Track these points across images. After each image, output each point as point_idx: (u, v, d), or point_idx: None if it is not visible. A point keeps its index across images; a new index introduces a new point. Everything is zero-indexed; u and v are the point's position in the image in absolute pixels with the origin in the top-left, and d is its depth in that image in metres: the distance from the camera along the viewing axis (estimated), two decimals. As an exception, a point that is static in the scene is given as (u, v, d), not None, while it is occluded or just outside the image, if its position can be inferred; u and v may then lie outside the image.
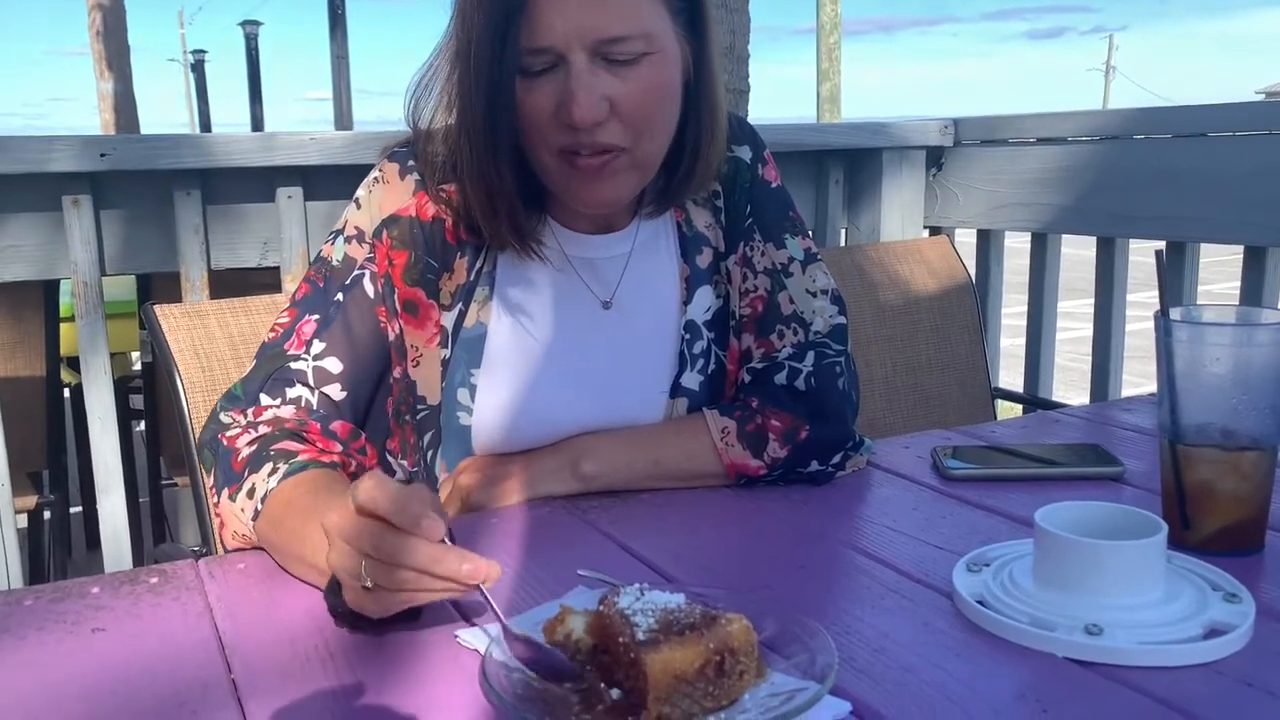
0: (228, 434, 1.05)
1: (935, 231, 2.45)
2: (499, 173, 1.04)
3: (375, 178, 1.14)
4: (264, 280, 2.02)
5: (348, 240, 1.12)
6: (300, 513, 0.91)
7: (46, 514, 2.52)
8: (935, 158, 2.43)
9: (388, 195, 1.12)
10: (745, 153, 1.21)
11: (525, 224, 1.09)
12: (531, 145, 1.04)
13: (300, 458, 0.99)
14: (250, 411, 1.06)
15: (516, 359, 1.13)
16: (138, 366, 3.40)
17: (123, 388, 3.10)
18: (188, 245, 1.81)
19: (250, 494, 0.98)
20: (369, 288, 1.11)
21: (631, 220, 1.17)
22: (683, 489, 1.12)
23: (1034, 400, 2.27)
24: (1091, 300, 2.22)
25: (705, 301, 1.18)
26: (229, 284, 1.90)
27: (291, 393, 1.07)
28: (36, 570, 2.76)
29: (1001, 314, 2.45)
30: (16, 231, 1.73)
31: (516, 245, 1.10)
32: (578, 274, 1.15)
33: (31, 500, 2.39)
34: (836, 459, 1.15)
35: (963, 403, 2.15)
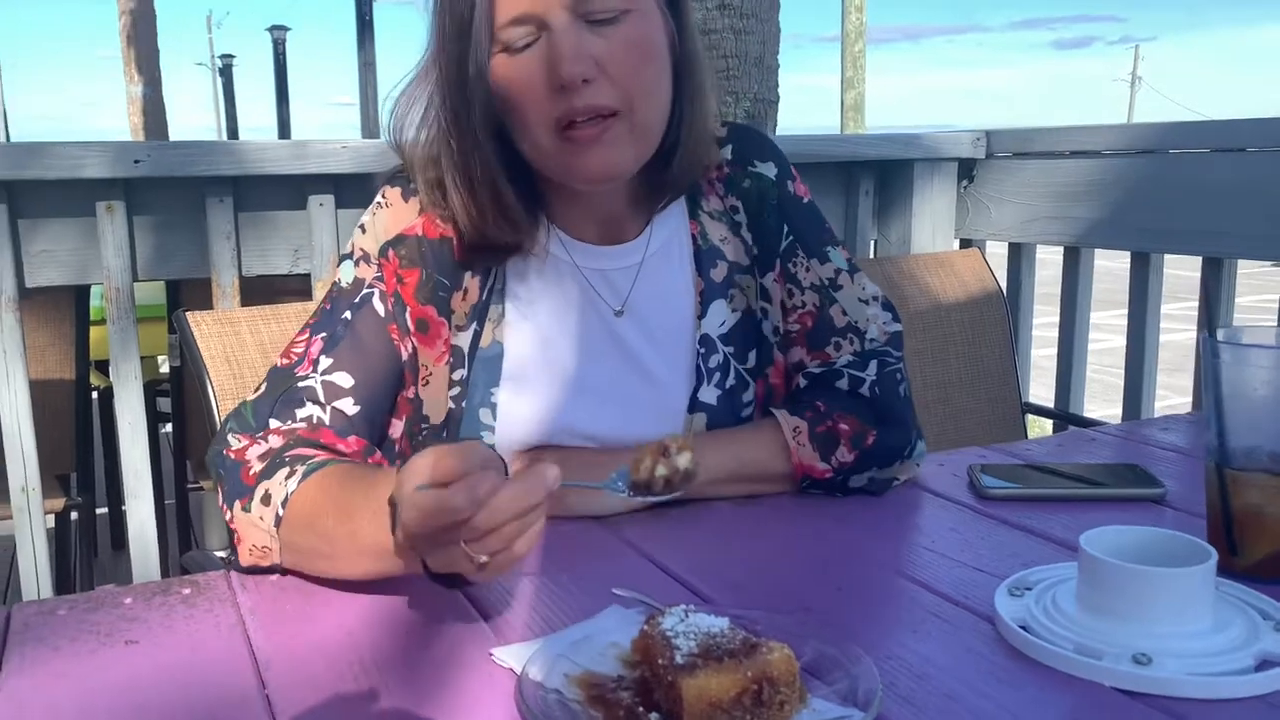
0: (234, 448, 1.02)
1: (966, 244, 2.43)
2: (482, 154, 1.03)
3: (378, 203, 1.14)
4: (291, 287, 2.02)
5: (355, 263, 1.12)
6: (335, 508, 0.89)
7: (74, 515, 2.53)
8: (967, 169, 2.41)
9: (392, 218, 1.12)
10: (769, 169, 1.19)
11: (519, 217, 1.07)
12: (527, 127, 1.02)
13: (317, 459, 0.97)
14: (260, 433, 1.03)
15: (535, 374, 1.12)
16: (165, 369, 3.41)
17: (150, 391, 3.11)
18: (219, 251, 1.81)
19: (266, 500, 0.94)
20: (378, 306, 1.10)
21: (642, 230, 1.16)
22: (713, 501, 1.11)
23: (1065, 416, 2.25)
24: (1119, 311, 2.20)
25: (720, 315, 1.17)
26: (258, 290, 1.91)
27: (301, 412, 1.04)
28: (63, 571, 2.78)
29: (1033, 327, 2.42)
30: (51, 237, 1.74)
31: (510, 237, 1.08)
32: (589, 284, 1.14)
33: (60, 502, 2.40)
34: (896, 466, 1.15)
35: (993, 418, 2.13)
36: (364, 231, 1.14)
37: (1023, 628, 0.80)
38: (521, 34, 1.00)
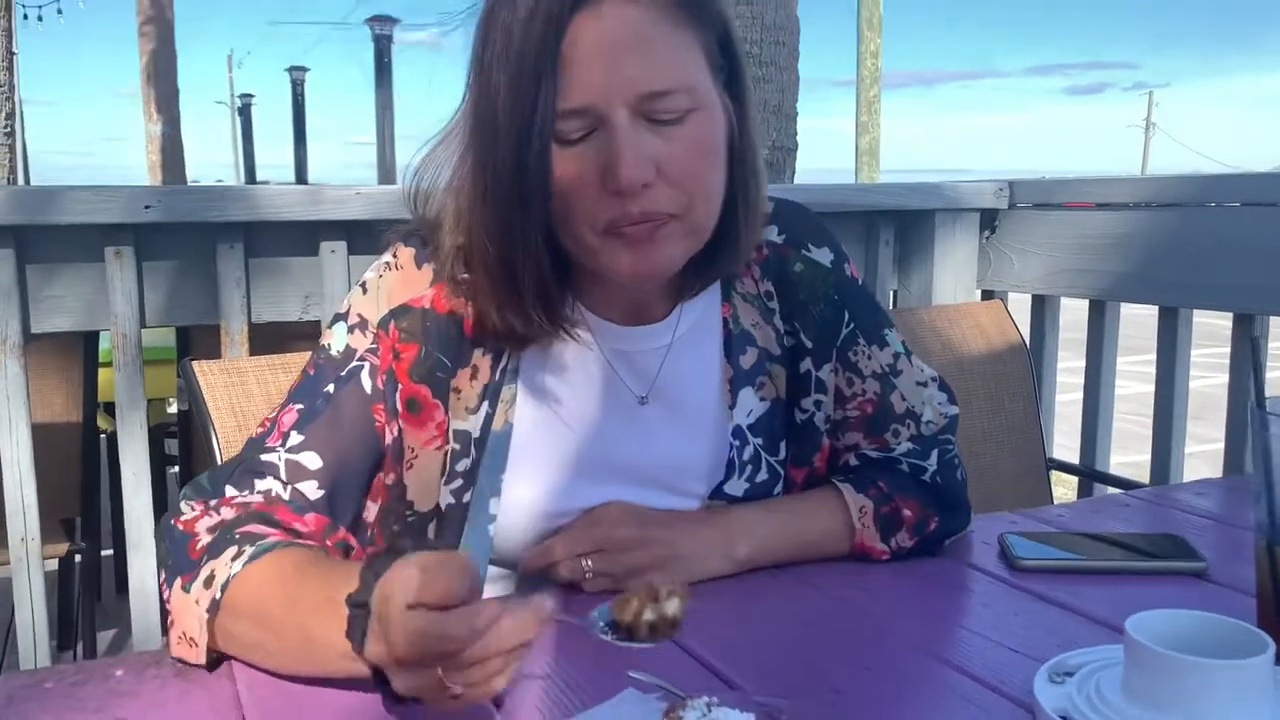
0: (184, 518, 0.94)
1: (988, 295, 2.39)
2: (528, 248, 0.94)
3: (388, 263, 1.05)
4: (302, 331, 1.99)
5: (350, 329, 1.03)
6: (285, 599, 0.82)
7: (78, 558, 2.49)
8: (989, 220, 2.37)
9: (400, 284, 1.03)
10: (825, 255, 1.13)
11: (557, 303, 0.99)
12: (571, 222, 0.94)
13: (269, 539, 0.89)
14: (214, 501, 0.96)
15: (544, 457, 1.05)
16: (174, 410, 3.39)
17: (158, 433, 3.09)
18: (229, 298, 1.78)
19: (208, 582, 0.86)
20: (366, 382, 1.01)
21: (670, 310, 1.08)
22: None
23: (1092, 473, 2.19)
24: (1136, 358, 2.15)
25: (748, 404, 1.10)
26: (268, 334, 1.88)
27: (261, 484, 0.97)
28: (65, 617, 2.74)
29: (1056, 381, 2.37)
30: (60, 282, 1.71)
31: (546, 325, 0.99)
32: (612, 367, 1.07)
33: (63, 547, 2.37)
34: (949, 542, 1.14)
35: (1016, 474, 2.07)
36: (365, 292, 1.05)
37: (1064, 719, 0.75)
38: (577, 126, 0.91)
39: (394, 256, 1.05)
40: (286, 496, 0.97)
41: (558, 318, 1.00)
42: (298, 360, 1.49)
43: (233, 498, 0.96)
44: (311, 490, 0.98)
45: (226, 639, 0.85)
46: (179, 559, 0.90)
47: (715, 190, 0.98)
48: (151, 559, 1.79)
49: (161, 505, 3.05)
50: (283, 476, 0.97)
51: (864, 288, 1.18)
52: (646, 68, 0.91)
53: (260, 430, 1.01)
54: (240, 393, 1.45)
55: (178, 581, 0.89)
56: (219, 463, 1.37)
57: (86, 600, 2.60)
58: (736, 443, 1.09)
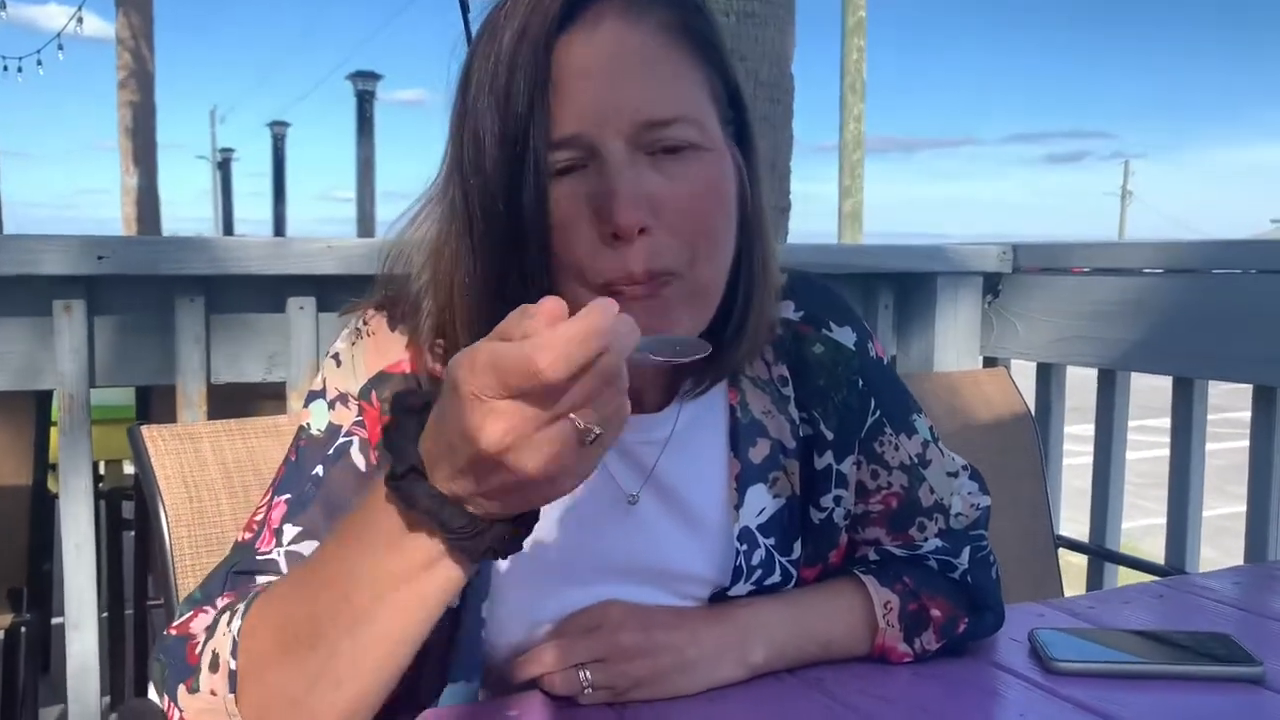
0: (177, 622, 0.83)
1: (990, 362, 2.30)
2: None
3: (359, 329, 0.94)
4: (271, 391, 1.87)
5: (331, 404, 0.92)
6: (319, 564, 0.74)
7: (24, 629, 2.35)
8: (992, 284, 2.29)
9: (374, 352, 0.92)
10: (847, 335, 1.00)
11: None
12: (563, 275, 0.81)
13: (254, 590, 0.80)
14: (208, 607, 0.84)
15: (528, 555, 0.92)
16: (132, 470, 3.25)
17: (117, 496, 2.95)
18: (186, 357, 1.65)
19: (214, 665, 0.76)
20: (358, 458, 0.89)
21: (670, 401, 0.96)
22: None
23: (1102, 552, 2.09)
24: (1135, 422, 2.06)
25: (759, 502, 0.97)
26: (227, 395, 1.75)
27: (263, 579, 0.85)
28: (9, 690, 2.58)
29: (1064, 452, 2.27)
30: (2, 338, 1.58)
31: None
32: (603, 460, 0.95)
33: (7, 619, 2.22)
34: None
35: (1023, 551, 1.97)
36: (339, 365, 0.93)
37: None
38: (564, 157, 0.79)
39: (364, 323, 0.94)
40: None
41: None
42: (256, 426, 1.37)
43: (230, 594, 0.84)
44: None
45: (260, 702, 0.74)
46: (178, 666, 0.79)
47: (722, 246, 0.85)
48: (93, 638, 1.65)
49: (116, 572, 2.90)
50: (284, 571, 0.85)
51: (889, 368, 1.05)
52: (647, 92, 0.79)
53: (248, 535, 0.89)
54: (193, 461, 1.33)
55: (181, 689, 0.77)
56: (166, 543, 1.26)
57: (30, 675, 2.44)
58: (744, 547, 0.96)
